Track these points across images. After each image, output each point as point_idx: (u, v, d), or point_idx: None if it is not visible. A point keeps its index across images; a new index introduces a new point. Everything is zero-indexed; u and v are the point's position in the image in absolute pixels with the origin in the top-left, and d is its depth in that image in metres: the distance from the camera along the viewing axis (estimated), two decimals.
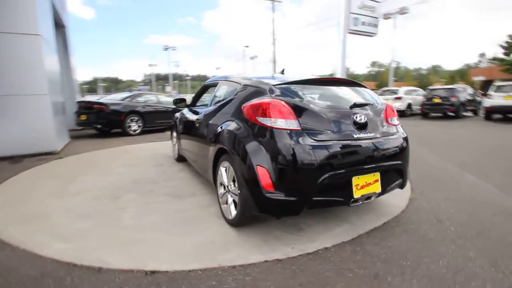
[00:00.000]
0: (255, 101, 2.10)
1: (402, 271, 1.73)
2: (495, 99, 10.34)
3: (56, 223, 2.43)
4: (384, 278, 1.67)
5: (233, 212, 2.22)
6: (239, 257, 1.88)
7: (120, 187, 3.32)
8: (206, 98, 3.85)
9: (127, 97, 8.67)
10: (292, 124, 1.89)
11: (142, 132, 8.31)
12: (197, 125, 3.12)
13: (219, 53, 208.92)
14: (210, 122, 2.72)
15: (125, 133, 8.00)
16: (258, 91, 2.18)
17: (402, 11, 16.97)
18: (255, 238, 2.13)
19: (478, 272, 1.71)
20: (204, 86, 3.71)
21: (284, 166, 1.84)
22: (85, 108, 7.96)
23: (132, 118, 8.17)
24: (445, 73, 60.36)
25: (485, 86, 27.05)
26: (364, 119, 2.10)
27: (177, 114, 4.55)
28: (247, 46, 38.83)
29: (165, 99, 9.90)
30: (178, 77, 54.16)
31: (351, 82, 2.45)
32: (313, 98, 2.14)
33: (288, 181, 1.84)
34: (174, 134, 4.68)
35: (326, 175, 1.85)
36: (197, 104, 3.96)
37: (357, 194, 1.99)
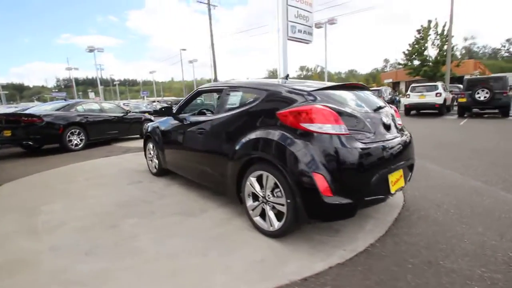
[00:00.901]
0: (294, 107, 2.08)
1: (445, 253, 1.95)
2: (412, 98, 12.45)
3: (54, 267, 1.92)
4: (437, 263, 1.85)
5: (276, 222, 2.14)
6: (303, 268, 1.82)
7: (107, 213, 2.82)
8: (195, 105, 3.59)
9: (62, 107, 7.39)
10: (341, 128, 1.94)
11: (86, 146, 7.22)
12: (201, 134, 2.88)
13: (149, 56, 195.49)
14: (228, 131, 2.56)
15: (65, 149, 6.81)
16: (293, 98, 2.16)
17: (331, 22, 19.12)
18: (303, 246, 2.09)
19: (496, 244, 2.05)
20: (198, 92, 3.45)
21: (341, 170, 1.87)
22: (7, 122, 6.46)
23: (72, 130, 6.99)
24: (361, 76, 69.72)
25: (394, 87, 32.20)
26: (388, 120, 2.30)
27: (155, 124, 4.12)
28: (184, 49, 37.41)
29: (110, 106, 8.83)
30: (104, 82, 48.56)
31: (362, 86, 2.64)
32: (346, 102, 2.23)
33: (345, 184, 1.88)
34: (151, 145, 4.22)
35: (376, 175, 1.96)
36: (186, 111, 3.66)
37: (393, 189, 2.16)
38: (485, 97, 10.18)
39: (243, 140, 2.34)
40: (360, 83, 2.69)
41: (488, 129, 8.23)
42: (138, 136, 9.14)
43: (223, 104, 2.79)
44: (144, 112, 15.10)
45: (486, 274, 1.71)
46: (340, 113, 2.01)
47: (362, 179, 1.93)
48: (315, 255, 1.97)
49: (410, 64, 24.05)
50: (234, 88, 2.80)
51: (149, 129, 4.30)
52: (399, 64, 26.20)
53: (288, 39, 16.76)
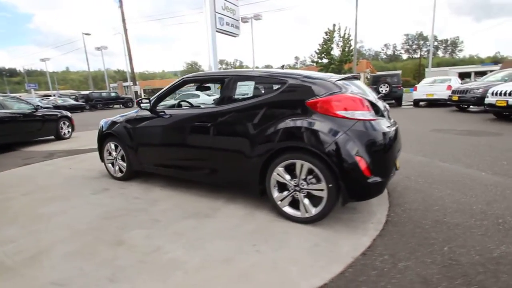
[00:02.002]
0: (327, 96, 2.16)
1: (442, 213, 2.43)
2: None
3: None
4: (443, 221, 2.29)
5: (312, 209, 2.20)
6: (355, 245, 1.96)
7: (96, 229, 2.30)
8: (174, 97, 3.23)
9: None
10: (370, 114, 2.14)
11: None
12: (205, 128, 2.64)
13: (33, 40, 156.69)
14: (244, 122, 2.44)
15: None
16: (321, 87, 2.23)
17: (257, 17, 19.76)
18: (338, 227, 2.23)
19: (466, 200, 2.67)
20: (183, 82, 3.08)
21: (375, 152, 2.07)
22: None
23: None
24: None
25: None
26: (384, 108, 2.65)
27: (117, 120, 3.50)
28: (88, 34, 31.53)
29: (10, 101, 6.89)
30: None
31: (358, 77, 2.92)
32: (360, 91, 2.44)
33: (379, 164, 2.10)
34: (112, 146, 3.58)
35: (396, 155, 2.25)
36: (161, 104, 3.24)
37: (398, 167, 2.53)
38: (385, 90, 12.56)
39: (269, 131, 2.29)
40: (357, 74, 2.97)
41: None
42: (53, 137, 7.51)
43: (230, 94, 2.62)
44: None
45: (477, 222, 2.24)
46: (367, 101, 2.21)
47: (388, 158, 2.19)
48: (355, 232, 2.15)
49: (320, 62, 27.31)
50: (243, 77, 2.67)
51: (107, 126, 3.63)
52: (312, 61, 29.40)
53: (217, 31, 16.57)
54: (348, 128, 2.06)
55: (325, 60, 27.44)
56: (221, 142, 2.59)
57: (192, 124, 2.77)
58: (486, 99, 7.61)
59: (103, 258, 1.91)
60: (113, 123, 3.59)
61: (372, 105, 2.25)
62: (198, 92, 14.13)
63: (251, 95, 2.54)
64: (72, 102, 22.59)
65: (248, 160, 2.42)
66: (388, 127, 2.27)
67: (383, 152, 2.11)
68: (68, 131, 7.91)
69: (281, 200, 2.34)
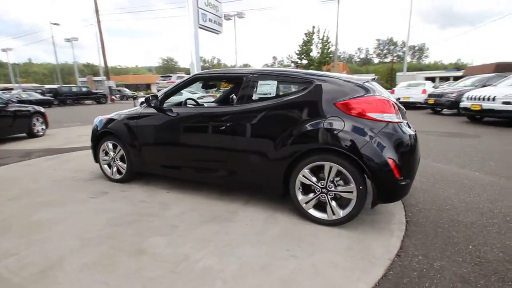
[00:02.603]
0: (357, 98, 2.15)
1: (455, 212, 2.53)
2: None
3: None
4: (457, 220, 2.39)
5: (340, 211, 2.19)
6: (387, 246, 1.98)
7: (108, 237, 2.11)
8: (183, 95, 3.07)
9: None
10: (397, 117, 2.16)
11: None
12: (223, 128, 2.52)
13: None
14: (267, 123, 2.36)
15: None
16: (351, 89, 2.22)
17: (240, 15, 19.54)
18: (364, 228, 2.24)
19: (471, 199, 2.81)
20: (194, 79, 2.92)
21: (404, 154, 2.10)
22: None
23: None
24: None
25: None
26: (404, 111, 2.71)
27: (115, 117, 3.27)
28: (56, 24, 29.08)
29: None
30: None
31: (377, 80, 2.94)
32: (383, 93, 2.46)
33: (407, 166, 2.13)
34: (110, 145, 3.32)
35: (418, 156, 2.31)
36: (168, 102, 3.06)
37: None
38: None
39: (296, 132, 2.24)
40: (375, 76, 3.00)
41: None
42: (25, 135, 6.88)
43: (251, 93, 2.53)
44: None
45: (489, 221, 2.36)
46: (395, 104, 2.24)
47: (414, 160, 2.23)
48: (382, 233, 2.17)
49: (300, 62, 27.72)
50: (265, 76, 2.58)
51: (103, 124, 3.37)
52: (292, 62, 29.73)
53: (199, 28, 16.22)
54: (379, 130, 2.07)
55: (304, 61, 27.90)
56: (242, 143, 2.49)
57: (208, 123, 2.64)
58: (461, 103, 8.17)
59: (127, 269, 1.74)
60: (111, 120, 3.33)
61: (398, 107, 2.28)
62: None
63: (274, 94, 2.47)
64: (39, 96, 20.83)
65: (271, 161, 2.35)
66: (411, 129, 2.32)
67: (410, 154, 2.15)
68: (42, 129, 7.27)
69: (306, 203, 2.31)
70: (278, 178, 2.36)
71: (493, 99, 7.13)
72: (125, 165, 3.27)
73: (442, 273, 1.71)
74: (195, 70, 16.44)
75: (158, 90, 17.75)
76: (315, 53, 27.81)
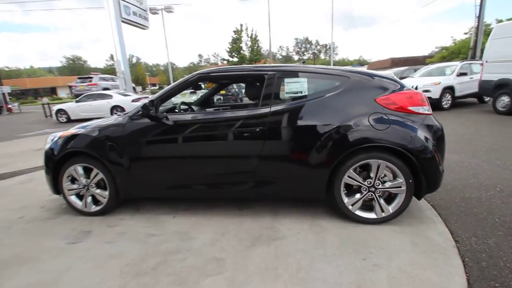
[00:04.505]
0: (397, 92, 2.14)
1: (484, 198, 2.83)
2: None
3: None
4: (492, 208, 2.67)
5: (388, 207, 2.16)
6: (445, 234, 2.04)
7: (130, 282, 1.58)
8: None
9: None
10: (429, 109, 2.24)
11: None
12: (252, 133, 2.18)
13: None
14: (303, 124, 2.16)
15: None
16: (387, 84, 2.19)
17: (168, 9, 17.89)
18: (408, 219, 2.26)
19: (493, 194, 3.20)
20: (199, 77, 2.42)
21: (440, 144, 2.19)
22: None
23: None
24: (180, 69, 71.18)
25: None
26: None
27: (88, 130, 2.52)
28: None
29: None
30: None
31: None
32: None
33: (442, 155, 2.23)
34: (79, 170, 2.54)
35: None
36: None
37: None
38: None
39: (338, 132, 2.10)
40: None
41: None
42: None
43: (276, 92, 2.26)
44: None
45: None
46: None
47: (444, 147, 2.34)
48: (425, 221, 2.23)
49: (231, 60, 27.71)
50: (291, 73, 2.32)
51: (64, 144, 2.55)
52: (223, 59, 29.43)
53: (122, 21, 14.51)
54: (421, 123, 2.11)
55: (235, 59, 28.00)
56: (276, 149, 2.21)
57: (230, 130, 2.25)
58: None
59: None
60: (74, 137, 2.55)
61: None
62: (109, 92, 11.89)
63: (306, 93, 2.25)
64: None
65: (313, 165, 2.16)
66: None
67: (442, 142, 2.26)
68: None
69: (353, 205, 2.20)
70: (321, 183, 2.19)
71: (416, 88, 8.44)
72: (107, 192, 2.56)
73: (501, 248, 1.85)
74: (122, 69, 14.63)
75: (77, 96, 14.99)
76: (246, 51, 28.20)
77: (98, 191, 2.58)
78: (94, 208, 2.62)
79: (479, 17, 15.61)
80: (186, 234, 2.22)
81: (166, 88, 2.48)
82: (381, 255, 1.83)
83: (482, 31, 15.66)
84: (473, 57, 15.11)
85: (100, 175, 2.53)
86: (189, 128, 2.34)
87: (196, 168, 2.38)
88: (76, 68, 65.10)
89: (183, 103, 2.92)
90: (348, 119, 2.12)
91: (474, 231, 2.08)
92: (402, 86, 2.22)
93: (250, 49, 27.84)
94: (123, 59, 14.20)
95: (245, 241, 2.08)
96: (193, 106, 3.18)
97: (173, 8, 17.59)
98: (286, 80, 2.29)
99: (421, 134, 2.08)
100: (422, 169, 2.08)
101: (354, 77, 2.22)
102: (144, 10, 15.42)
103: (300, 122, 2.18)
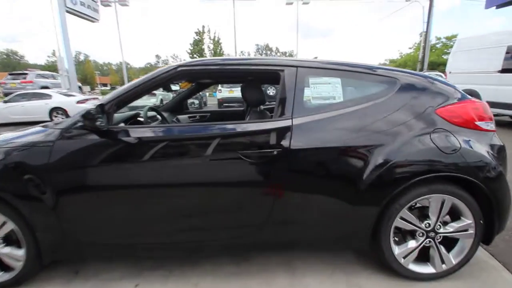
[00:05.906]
0: (460, 102, 1.58)
1: None
2: (223, 93, 13.82)
3: None
4: None
5: (450, 257, 1.58)
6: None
7: None
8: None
9: None
10: (493, 124, 1.72)
11: None
12: (267, 158, 1.44)
13: None
14: (341, 142, 1.47)
15: None
16: (446, 91, 1.62)
17: (122, 2, 15.83)
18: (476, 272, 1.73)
19: None
20: (180, 73, 1.58)
21: (505, 170, 1.68)
22: None
23: None
24: (135, 69, 66.27)
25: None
26: None
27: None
28: None
29: None
30: None
31: None
32: None
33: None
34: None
35: None
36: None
37: None
38: (273, 92, 13.48)
39: (395, 154, 1.46)
40: None
41: None
42: None
43: (299, 98, 1.54)
44: None
45: None
46: None
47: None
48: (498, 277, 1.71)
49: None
50: (316, 70, 1.61)
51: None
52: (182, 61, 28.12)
53: (67, 12, 12.73)
54: (490, 143, 1.58)
55: None
56: (300, 179, 1.48)
57: (232, 153, 1.47)
58: None
59: None
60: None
61: None
62: (48, 91, 10.01)
63: (341, 99, 1.57)
64: None
65: (355, 203, 1.49)
66: None
67: (506, 168, 1.76)
68: None
69: (405, 256, 1.58)
70: (365, 228, 1.53)
71: None
72: (22, 251, 1.57)
73: None
74: (66, 66, 12.64)
75: (6, 95, 12.40)
76: (207, 53, 27.22)
77: (5, 250, 1.58)
78: (1, 277, 1.61)
79: (427, 34, 17.06)
80: None
81: (125, 86, 1.59)
82: None
83: (429, 46, 17.16)
84: (421, 70, 16.38)
85: (11, 226, 1.54)
86: (165, 149, 1.49)
87: (174, 216, 1.53)
88: (11, 64, 56.79)
89: (151, 108, 2.03)
90: (404, 137, 1.49)
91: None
92: (464, 95, 1.67)
93: (212, 52, 26.91)
94: (67, 55, 12.23)
95: None
96: (163, 113, 2.31)
97: (128, 0, 15.83)
98: (311, 80, 1.59)
99: (495, 159, 1.55)
100: (496, 205, 1.54)
101: (405, 79, 1.61)
102: (94, 1, 13.51)
103: (335, 141, 1.50)
